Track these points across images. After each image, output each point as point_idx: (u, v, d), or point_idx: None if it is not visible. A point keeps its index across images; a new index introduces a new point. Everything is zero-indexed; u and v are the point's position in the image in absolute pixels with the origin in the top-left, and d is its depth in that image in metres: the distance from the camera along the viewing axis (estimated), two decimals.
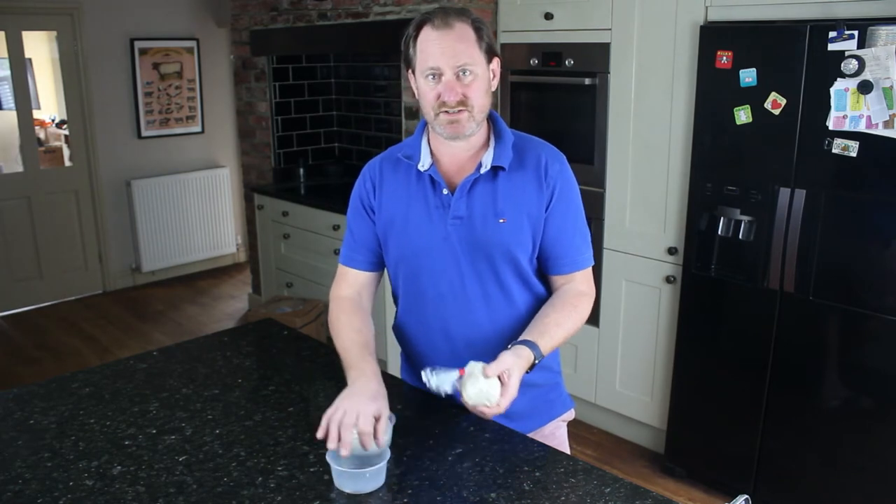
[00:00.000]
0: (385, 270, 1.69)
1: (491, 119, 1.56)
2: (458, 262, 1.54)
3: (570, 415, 1.75)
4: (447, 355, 1.59)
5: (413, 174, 1.56)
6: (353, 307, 1.62)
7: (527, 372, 1.40)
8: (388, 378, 1.75)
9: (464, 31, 1.43)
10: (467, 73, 1.43)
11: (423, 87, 1.47)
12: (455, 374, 1.37)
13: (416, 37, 1.46)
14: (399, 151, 1.59)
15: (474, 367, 1.35)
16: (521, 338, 1.45)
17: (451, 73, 1.43)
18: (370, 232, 1.63)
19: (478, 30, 1.45)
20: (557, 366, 1.71)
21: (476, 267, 1.53)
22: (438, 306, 1.58)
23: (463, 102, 1.44)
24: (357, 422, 1.31)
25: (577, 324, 1.54)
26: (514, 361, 1.37)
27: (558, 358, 1.72)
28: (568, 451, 1.65)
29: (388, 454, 1.32)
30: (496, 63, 1.51)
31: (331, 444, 1.30)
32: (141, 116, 5.43)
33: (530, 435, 1.53)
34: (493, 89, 1.52)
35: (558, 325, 1.49)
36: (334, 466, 1.29)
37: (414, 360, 1.68)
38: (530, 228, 1.52)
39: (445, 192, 1.52)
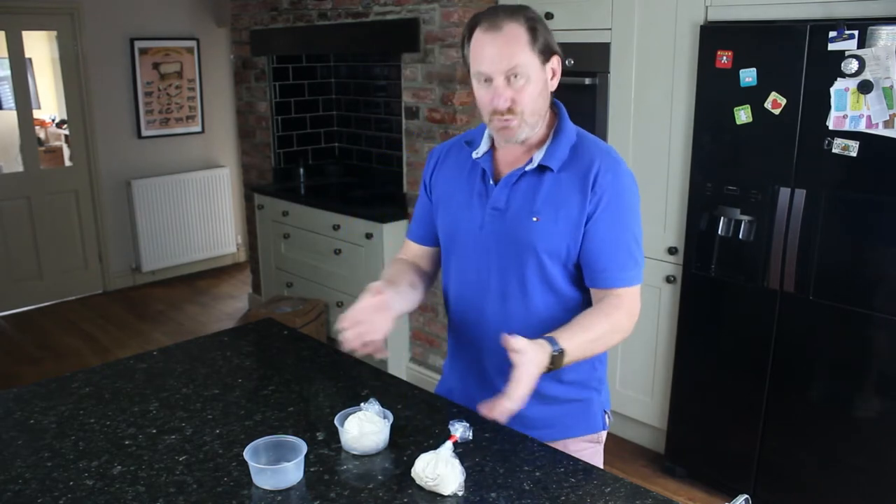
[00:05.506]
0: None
1: (557, 115, 1.52)
2: (488, 254, 1.53)
3: (599, 437, 1.63)
4: (461, 345, 1.65)
5: (469, 160, 1.58)
6: (401, 260, 1.72)
7: (549, 369, 1.33)
8: (388, 377, 1.76)
9: (514, 31, 1.38)
10: (518, 77, 1.39)
11: (477, 91, 1.45)
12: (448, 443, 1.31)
13: (469, 38, 1.43)
14: (466, 137, 1.62)
15: (445, 450, 1.29)
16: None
17: (501, 78, 1.39)
18: (427, 209, 1.68)
19: (532, 29, 1.39)
20: (593, 381, 1.61)
21: (502, 262, 1.51)
22: (460, 295, 1.61)
23: (512, 110, 1.40)
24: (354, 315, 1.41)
25: (609, 331, 1.44)
26: (528, 372, 1.29)
27: (594, 373, 1.60)
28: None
29: (304, 448, 1.32)
30: (556, 61, 1.45)
31: (347, 343, 1.42)
32: (141, 116, 5.43)
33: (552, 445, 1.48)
34: (553, 89, 1.48)
35: (583, 327, 1.41)
36: (252, 464, 1.30)
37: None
38: (566, 233, 1.47)
39: (491, 181, 1.53)
